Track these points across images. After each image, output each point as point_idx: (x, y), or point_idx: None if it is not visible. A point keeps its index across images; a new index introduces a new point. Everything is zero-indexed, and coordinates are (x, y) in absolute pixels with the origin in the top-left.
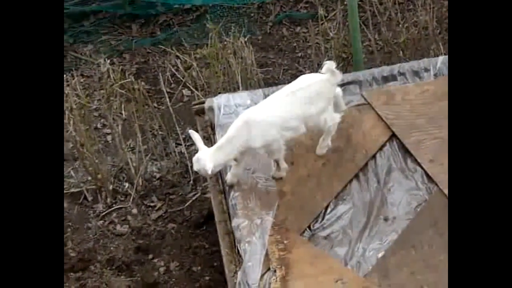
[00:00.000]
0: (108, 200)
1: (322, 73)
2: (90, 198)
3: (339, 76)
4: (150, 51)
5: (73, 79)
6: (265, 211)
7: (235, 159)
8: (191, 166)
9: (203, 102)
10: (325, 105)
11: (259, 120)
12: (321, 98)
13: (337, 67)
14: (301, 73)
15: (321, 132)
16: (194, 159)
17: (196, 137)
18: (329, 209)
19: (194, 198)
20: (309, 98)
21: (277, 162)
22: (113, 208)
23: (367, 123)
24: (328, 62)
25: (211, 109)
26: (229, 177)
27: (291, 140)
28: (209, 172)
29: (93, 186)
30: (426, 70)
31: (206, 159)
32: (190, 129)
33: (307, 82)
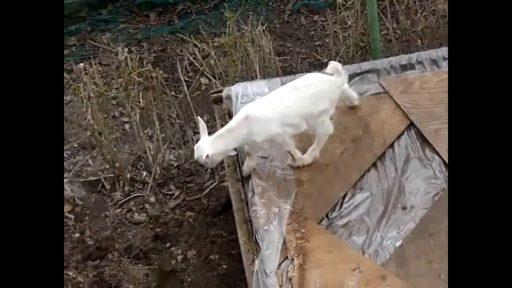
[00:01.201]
0: (126, 188)
1: (327, 73)
2: (108, 187)
3: (345, 78)
4: (168, 39)
5: (91, 67)
6: (283, 199)
7: (236, 149)
8: None
9: (221, 91)
10: (327, 107)
11: (259, 116)
12: (325, 98)
13: (354, 56)
14: (319, 61)
15: (313, 135)
16: (195, 147)
17: (202, 125)
18: (347, 198)
19: (212, 186)
20: (312, 96)
21: (289, 153)
22: (131, 197)
23: (385, 112)
24: (333, 62)
25: (228, 97)
26: (244, 169)
27: (293, 136)
28: (203, 157)
29: (111, 175)
30: (444, 58)
31: (205, 147)
32: (199, 116)
33: (312, 80)
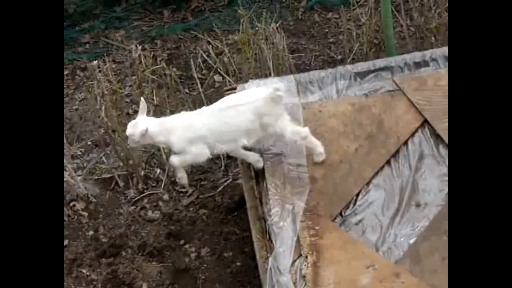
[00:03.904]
0: (140, 186)
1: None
2: (121, 184)
3: (282, 94)
4: (181, 37)
5: (105, 65)
6: (297, 196)
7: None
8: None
9: (235, 88)
10: (270, 121)
11: (185, 125)
12: (264, 116)
13: (368, 53)
14: (333, 59)
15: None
16: (130, 124)
17: (142, 105)
18: (360, 195)
19: (225, 184)
20: (251, 113)
21: (174, 169)
22: (144, 194)
23: (399, 109)
24: (278, 85)
25: None
26: (179, 181)
27: (232, 152)
28: (140, 130)
29: (125, 172)
30: None
31: (144, 123)
32: (142, 98)
33: (249, 98)
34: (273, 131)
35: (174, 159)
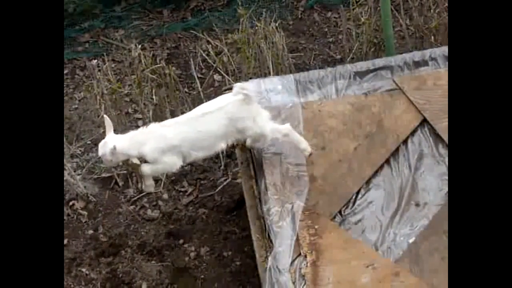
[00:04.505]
0: (139, 185)
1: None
2: (121, 183)
3: (252, 95)
4: (181, 36)
5: (105, 64)
6: (296, 196)
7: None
8: (222, 152)
9: None
10: (246, 125)
11: (158, 135)
12: (238, 119)
13: (368, 52)
14: (332, 58)
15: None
16: (100, 144)
17: (107, 122)
18: (360, 195)
19: (225, 183)
20: (224, 119)
21: (143, 177)
22: (144, 193)
23: (398, 108)
24: (237, 84)
25: None
26: (144, 188)
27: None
28: (109, 148)
29: (124, 171)
30: None
31: (112, 141)
32: (105, 115)
33: (220, 104)
34: (253, 133)
35: (146, 168)
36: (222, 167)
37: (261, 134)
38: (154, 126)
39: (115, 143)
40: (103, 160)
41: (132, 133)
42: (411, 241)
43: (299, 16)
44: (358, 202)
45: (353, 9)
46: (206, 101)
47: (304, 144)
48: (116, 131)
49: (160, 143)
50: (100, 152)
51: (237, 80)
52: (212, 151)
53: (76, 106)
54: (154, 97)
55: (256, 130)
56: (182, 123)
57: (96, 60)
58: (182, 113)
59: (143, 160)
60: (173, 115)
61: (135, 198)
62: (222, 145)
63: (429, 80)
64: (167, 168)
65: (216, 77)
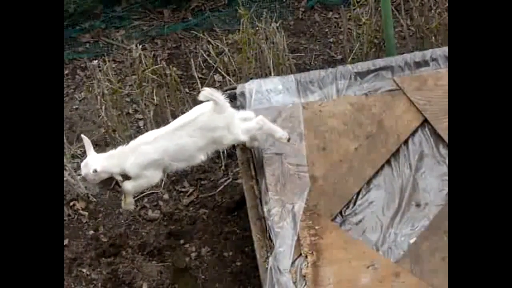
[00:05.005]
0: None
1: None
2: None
3: (223, 103)
4: (182, 36)
5: (105, 64)
6: (297, 196)
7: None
8: (223, 152)
9: (235, 88)
10: (221, 133)
11: (144, 152)
12: (211, 129)
13: (368, 53)
14: (333, 58)
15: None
16: (82, 164)
17: (87, 142)
18: (360, 195)
19: (225, 183)
20: (198, 130)
21: (125, 194)
22: (144, 194)
23: (399, 109)
24: (204, 89)
25: (242, 94)
26: (123, 206)
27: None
28: (91, 171)
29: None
30: None
31: (93, 163)
32: (82, 135)
33: (193, 116)
34: (229, 142)
35: (128, 186)
36: (223, 168)
37: (237, 141)
38: (133, 143)
39: (96, 165)
40: (86, 179)
41: (112, 152)
42: (411, 241)
43: (300, 17)
44: (358, 202)
45: (354, 9)
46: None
47: (279, 133)
48: (116, 132)
49: (141, 159)
50: (82, 172)
51: (238, 80)
52: (193, 162)
53: (77, 106)
54: (154, 97)
55: (232, 137)
56: (160, 137)
57: (96, 61)
58: (183, 113)
59: (126, 176)
60: (174, 115)
61: (136, 199)
62: (202, 157)
63: (430, 81)
64: (150, 181)
65: (217, 77)
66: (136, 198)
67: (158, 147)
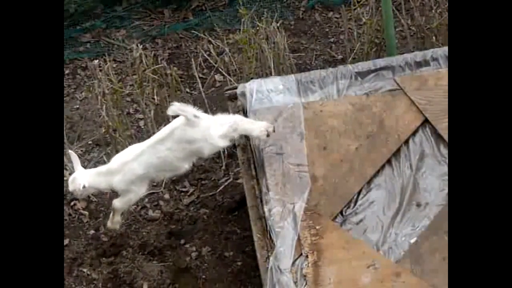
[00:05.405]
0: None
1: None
2: None
3: (193, 117)
4: (182, 36)
5: (106, 64)
6: (297, 196)
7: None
8: (223, 151)
9: (236, 88)
10: (199, 145)
11: (129, 169)
12: (188, 142)
13: (369, 53)
14: (334, 58)
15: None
16: (69, 179)
17: (74, 157)
18: (361, 195)
19: (226, 183)
20: (176, 144)
21: (113, 212)
22: (145, 193)
23: (399, 108)
24: (173, 104)
25: (243, 94)
26: (109, 224)
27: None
28: (80, 188)
29: None
30: None
31: (82, 178)
32: (70, 150)
33: (169, 130)
34: (210, 150)
35: (117, 204)
36: (224, 167)
37: (218, 148)
38: (119, 160)
39: (84, 181)
40: (74, 194)
41: (99, 168)
42: (412, 241)
43: (301, 16)
44: (359, 202)
45: (355, 9)
46: (207, 102)
47: (257, 131)
48: (116, 132)
49: (128, 175)
50: (70, 188)
51: (238, 80)
52: (179, 171)
53: (78, 106)
54: (155, 97)
55: (211, 147)
56: (142, 153)
57: (97, 60)
58: None
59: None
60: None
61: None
62: (186, 166)
63: (431, 80)
64: (138, 195)
65: (218, 77)
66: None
67: (142, 162)
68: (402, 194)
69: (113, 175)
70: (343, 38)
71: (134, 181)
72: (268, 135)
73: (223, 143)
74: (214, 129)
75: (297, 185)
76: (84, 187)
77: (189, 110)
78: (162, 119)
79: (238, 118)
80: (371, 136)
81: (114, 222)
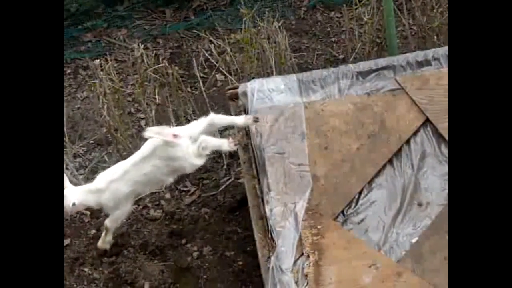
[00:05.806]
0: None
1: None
2: None
3: (169, 140)
4: (183, 35)
5: (107, 64)
6: (299, 196)
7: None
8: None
9: (237, 87)
10: (180, 164)
11: (116, 188)
12: (170, 160)
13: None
14: (335, 58)
15: None
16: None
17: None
18: (362, 194)
19: (227, 183)
20: (159, 161)
21: (106, 231)
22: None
23: (401, 108)
24: (149, 129)
25: (244, 94)
26: (100, 245)
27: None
28: (70, 205)
29: None
30: None
31: (72, 196)
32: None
33: (150, 148)
34: (190, 169)
35: (109, 224)
36: (225, 167)
37: (196, 166)
38: (106, 179)
39: (74, 199)
40: (64, 211)
41: (88, 186)
42: (413, 241)
43: (302, 16)
44: (360, 202)
45: (356, 9)
46: (208, 101)
47: (225, 146)
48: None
49: (116, 194)
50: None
51: (239, 79)
52: (165, 184)
53: (79, 105)
54: (156, 96)
55: (190, 166)
56: (127, 171)
57: (98, 60)
58: (185, 113)
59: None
60: (176, 115)
61: (138, 198)
62: (171, 179)
63: (432, 80)
64: (126, 211)
65: (219, 76)
66: (137, 198)
67: (128, 180)
68: (403, 193)
69: (101, 193)
70: (344, 38)
71: (122, 199)
72: (236, 151)
73: (200, 162)
74: (191, 151)
75: (298, 184)
76: (74, 204)
77: (166, 132)
78: (163, 119)
79: (204, 137)
80: (372, 136)
81: (106, 241)
